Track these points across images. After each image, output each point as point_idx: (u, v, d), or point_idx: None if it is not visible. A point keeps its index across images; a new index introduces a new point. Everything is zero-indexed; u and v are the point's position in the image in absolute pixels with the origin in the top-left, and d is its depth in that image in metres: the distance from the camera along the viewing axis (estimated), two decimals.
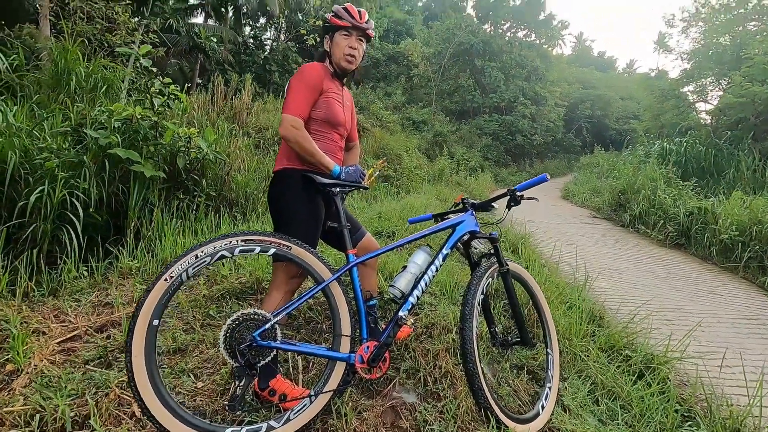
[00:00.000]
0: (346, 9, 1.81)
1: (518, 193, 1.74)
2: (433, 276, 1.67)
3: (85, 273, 2.91)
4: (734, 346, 3.24)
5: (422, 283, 1.64)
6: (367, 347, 1.52)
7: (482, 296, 1.63)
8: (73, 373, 1.79)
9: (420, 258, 1.77)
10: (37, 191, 3.21)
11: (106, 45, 8.30)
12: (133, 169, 3.88)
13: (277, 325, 1.39)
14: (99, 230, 3.87)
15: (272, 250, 1.45)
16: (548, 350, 1.89)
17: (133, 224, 3.84)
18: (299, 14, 20.27)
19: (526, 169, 19.71)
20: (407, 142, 12.80)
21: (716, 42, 13.15)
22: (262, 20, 21.98)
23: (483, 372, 1.52)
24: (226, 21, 16.39)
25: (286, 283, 1.64)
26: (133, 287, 2.66)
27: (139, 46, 8.82)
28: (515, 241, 5.09)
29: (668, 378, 2.39)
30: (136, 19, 9.66)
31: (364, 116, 11.58)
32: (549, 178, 1.65)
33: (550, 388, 1.77)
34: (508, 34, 21.86)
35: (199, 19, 17.19)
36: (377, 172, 1.88)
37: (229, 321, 1.34)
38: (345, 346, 1.47)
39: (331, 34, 1.82)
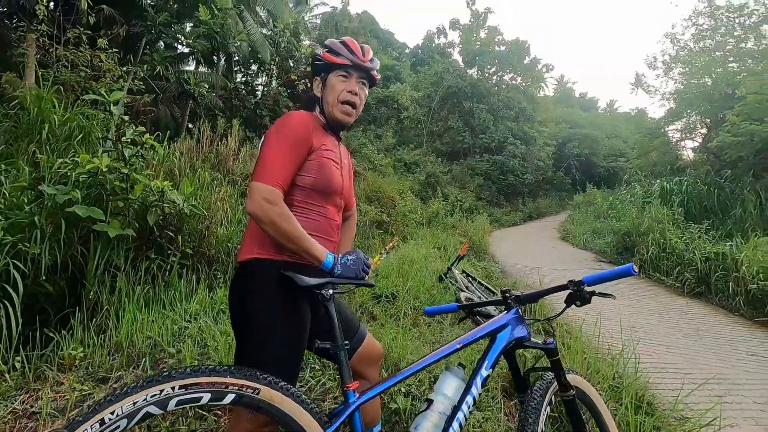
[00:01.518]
0: (344, 43, 1.36)
1: (587, 289, 1.25)
2: (470, 411, 1.17)
3: (17, 365, 2.33)
4: None
5: (455, 424, 1.12)
6: None
7: None
8: None
9: (450, 387, 1.22)
10: None
11: (91, 93, 8.02)
12: (95, 228, 3.39)
13: None
14: (54, 301, 3.33)
15: (230, 397, 0.93)
16: None
17: (91, 294, 3.30)
18: (290, 61, 20.61)
19: (519, 208, 19.54)
20: (400, 184, 12.52)
21: (700, 82, 13.41)
22: (254, 67, 22.33)
23: None
24: (217, 68, 16.47)
25: None
26: (70, 388, 2.09)
27: (123, 94, 8.54)
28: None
29: None
30: (125, 68, 9.49)
31: (356, 159, 11.32)
32: (636, 270, 1.16)
33: None
34: (495, 77, 22.37)
35: (191, 66, 17.30)
36: (385, 255, 1.40)
37: None
38: None
39: (323, 75, 1.37)
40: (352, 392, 1.09)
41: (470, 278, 4.50)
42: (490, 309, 2.49)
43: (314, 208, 1.28)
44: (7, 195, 3.69)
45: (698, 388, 3.13)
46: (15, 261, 2.86)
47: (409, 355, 2.52)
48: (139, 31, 11.40)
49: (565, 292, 1.27)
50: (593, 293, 1.19)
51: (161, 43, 12.09)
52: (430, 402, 1.22)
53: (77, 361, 2.36)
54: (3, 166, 4.21)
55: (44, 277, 3.12)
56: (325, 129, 1.36)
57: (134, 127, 4.08)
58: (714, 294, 5.57)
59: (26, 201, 3.64)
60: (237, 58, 18.33)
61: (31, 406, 2.01)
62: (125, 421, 0.85)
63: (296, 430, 0.98)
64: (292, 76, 17.34)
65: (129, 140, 3.96)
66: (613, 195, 13.47)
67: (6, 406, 1.98)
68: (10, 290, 2.72)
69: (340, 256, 1.21)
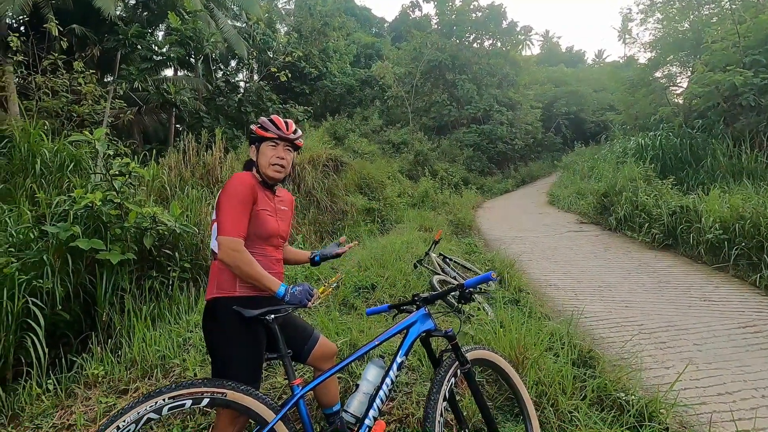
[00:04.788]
0: (272, 120, 1.74)
1: (467, 290, 1.64)
2: (390, 390, 1.56)
3: (50, 387, 2.76)
4: (733, 364, 3.13)
5: (377, 401, 1.53)
6: None
7: (445, 402, 1.52)
8: None
9: (371, 373, 1.65)
10: None
11: (74, 116, 8.27)
12: (99, 257, 3.77)
13: None
14: (72, 326, 3.74)
15: (206, 401, 1.34)
16: None
17: (104, 316, 3.71)
18: (269, 52, 20.49)
19: (511, 175, 19.78)
20: (388, 167, 12.78)
21: (675, 29, 13.40)
22: (233, 63, 22.23)
23: None
24: (196, 71, 16.50)
25: (231, 425, 1.53)
26: (97, 402, 2.52)
27: (105, 114, 8.77)
28: (501, 268, 4.99)
29: (666, 428, 2.28)
30: (106, 89, 9.68)
31: (341, 150, 11.56)
32: (494, 276, 1.55)
33: None
34: (474, 45, 22.21)
35: (169, 72, 17.32)
36: (332, 287, 1.77)
37: None
38: None
39: (257, 144, 1.75)
40: (297, 386, 1.49)
41: (447, 260, 4.89)
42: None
43: (256, 249, 1.65)
44: (14, 234, 4.06)
45: (643, 338, 3.55)
46: (32, 298, 3.26)
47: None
48: (113, 46, 11.50)
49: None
50: (472, 292, 1.56)
51: (137, 56, 12.17)
52: (357, 386, 1.64)
53: (100, 378, 2.78)
54: (6, 207, 4.57)
55: (60, 307, 3.54)
56: (261, 185, 1.74)
57: (119, 159, 4.40)
58: (681, 246, 5.95)
59: (32, 238, 4.01)
60: (215, 56, 18.31)
61: (68, 420, 2.43)
62: (134, 425, 1.25)
63: (256, 417, 1.40)
64: (272, 69, 17.37)
65: (117, 171, 4.29)
66: (597, 153, 13.70)
67: (47, 422, 2.41)
68: (33, 324, 3.14)
69: (290, 287, 1.59)
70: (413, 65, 20.78)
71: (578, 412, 2.26)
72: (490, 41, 22.49)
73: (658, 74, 14.63)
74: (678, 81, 14.76)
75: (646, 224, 6.57)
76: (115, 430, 1.22)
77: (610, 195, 8.11)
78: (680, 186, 7.38)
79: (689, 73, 13.90)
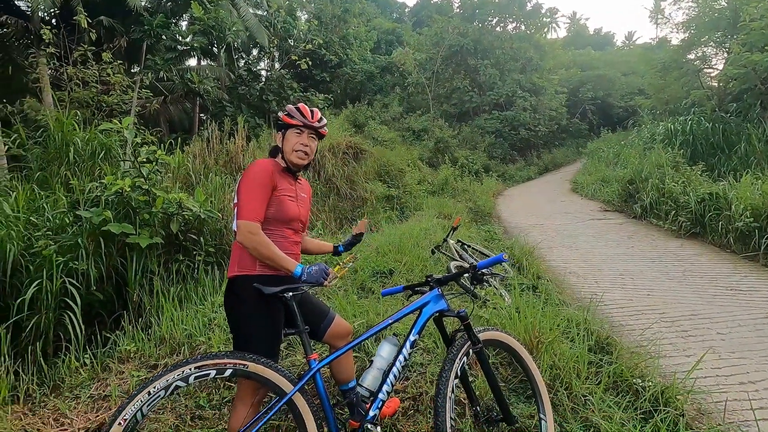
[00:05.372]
0: (298, 109, 1.80)
1: (479, 271, 1.67)
2: (403, 367, 1.62)
3: (87, 361, 2.94)
4: (757, 354, 3.06)
5: (390, 376, 1.59)
6: None
7: (457, 380, 1.57)
8: None
9: (385, 350, 1.71)
10: (35, 283, 3.29)
11: (104, 106, 8.58)
12: (129, 241, 3.95)
13: None
14: (104, 306, 3.95)
15: (229, 371, 1.43)
16: (541, 415, 1.81)
17: (135, 297, 3.91)
18: (290, 40, 20.56)
19: (534, 162, 19.39)
20: (408, 155, 12.75)
21: (711, 8, 12.72)
22: (255, 52, 22.41)
23: None
24: (219, 60, 16.72)
25: (252, 395, 1.62)
26: (130, 375, 2.68)
27: (133, 104, 9.05)
28: (520, 255, 4.97)
29: (682, 413, 2.26)
30: (133, 78, 9.97)
31: (361, 137, 11.58)
32: (506, 257, 1.58)
33: None
34: (498, 28, 21.69)
35: (193, 61, 17.62)
36: (347, 267, 1.84)
37: None
38: None
39: (283, 131, 1.82)
40: (313, 361, 1.57)
41: (465, 246, 4.90)
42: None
43: (276, 231, 1.73)
44: (51, 218, 4.29)
45: (664, 326, 3.49)
46: (69, 278, 3.46)
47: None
48: (139, 37, 11.77)
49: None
50: (484, 274, 1.59)
51: (162, 46, 12.44)
52: (372, 362, 1.70)
53: (132, 354, 2.95)
54: (43, 193, 4.82)
55: (94, 288, 3.74)
56: (284, 171, 1.80)
57: (147, 147, 4.57)
58: (709, 234, 5.77)
59: (67, 222, 4.23)
60: (236, 45, 18.49)
61: (103, 391, 2.61)
62: (163, 392, 1.36)
63: (275, 388, 1.48)
64: (293, 57, 17.44)
65: (144, 159, 4.45)
66: (624, 140, 13.27)
67: (85, 392, 2.59)
68: (70, 302, 3.34)
69: (307, 266, 1.66)
70: (434, 51, 20.47)
71: (592, 396, 2.27)
72: (514, 24, 21.93)
73: (691, 56, 13.95)
74: (713, 63, 14.07)
75: (673, 212, 6.38)
76: (147, 395, 1.32)
77: (636, 182, 7.89)
78: (710, 173, 7.11)
79: (725, 55, 13.22)
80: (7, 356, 2.89)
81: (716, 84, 12.88)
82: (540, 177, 17.70)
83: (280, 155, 1.82)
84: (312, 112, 1.82)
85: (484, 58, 20.30)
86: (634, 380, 2.47)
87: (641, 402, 2.26)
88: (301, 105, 1.82)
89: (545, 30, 23.69)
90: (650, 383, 2.40)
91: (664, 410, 2.21)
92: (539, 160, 19.65)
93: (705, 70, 13.53)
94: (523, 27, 21.80)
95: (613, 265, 5.12)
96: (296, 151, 1.77)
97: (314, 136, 1.84)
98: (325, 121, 1.86)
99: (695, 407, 2.43)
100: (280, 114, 1.83)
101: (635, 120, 14.98)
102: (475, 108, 20.54)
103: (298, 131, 1.79)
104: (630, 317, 3.71)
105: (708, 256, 5.31)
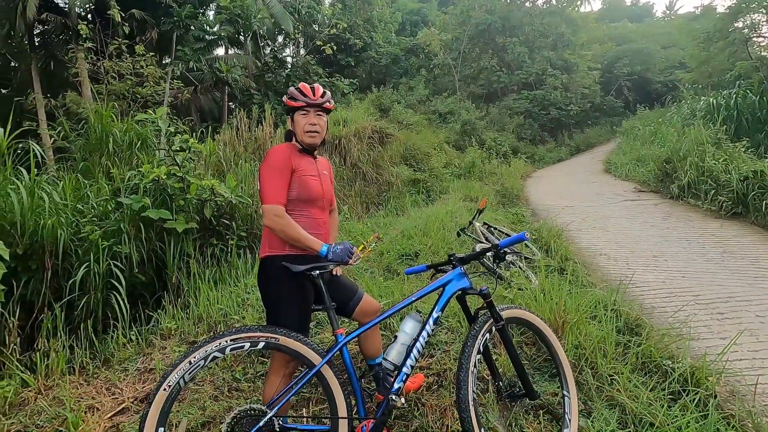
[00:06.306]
0: (299, 89, 1.82)
1: (502, 250, 1.68)
2: (426, 342, 1.67)
3: (133, 338, 3.16)
4: None
5: (414, 351, 1.64)
6: (364, 426, 1.56)
7: (479, 355, 1.61)
8: None
9: (409, 326, 1.77)
10: (84, 266, 3.54)
11: (139, 98, 8.93)
12: (166, 226, 4.16)
13: (274, 418, 1.46)
14: (146, 288, 4.21)
15: (261, 344, 1.53)
16: (564, 392, 1.83)
17: (173, 279, 4.14)
18: (314, 26, 20.54)
19: (565, 143, 18.76)
20: (434, 138, 12.63)
21: None
22: (280, 38, 22.54)
23: None
24: (245, 48, 16.94)
25: (284, 367, 1.71)
26: (172, 351, 2.87)
27: (166, 95, 9.36)
28: (548, 238, 4.90)
29: (713, 395, 2.22)
30: (164, 69, 10.28)
31: (386, 121, 11.55)
32: (528, 236, 1.58)
33: None
34: (527, 4, 20.85)
35: (220, 51, 17.94)
36: (371, 246, 1.90)
37: (228, 419, 1.43)
38: (343, 428, 1.52)
39: (291, 115, 1.85)
40: (340, 335, 1.65)
41: (491, 228, 4.87)
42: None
43: (301, 212, 1.79)
44: (95, 206, 4.56)
45: (699, 309, 3.39)
46: (114, 261, 3.70)
47: None
48: (169, 28, 12.08)
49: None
50: (507, 252, 1.60)
51: (191, 36, 12.71)
52: (396, 337, 1.76)
53: (173, 331, 3.15)
54: (87, 182, 5.11)
55: (136, 270, 3.98)
56: (302, 152, 1.86)
57: (180, 136, 4.75)
58: (752, 214, 5.48)
59: (110, 209, 4.49)
60: (262, 32, 18.64)
61: (148, 365, 2.80)
62: (202, 361, 1.47)
63: (305, 360, 1.58)
64: (318, 42, 17.43)
65: (178, 147, 4.64)
66: (662, 117, 12.63)
67: (132, 366, 2.80)
68: (116, 284, 3.58)
69: (332, 245, 1.73)
70: (460, 30, 19.94)
71: (618, 376, 2.26)
72: None
73: (738, 24, 13.00)
74: (762, 31, 13.07)
75: (713, 191, 6.09)
76: (188, 364, 1.44)
77: (674, 161, 7.54)
78: (755, 149, 6.70)
79: None
80: (62, 332, 3.14)
81: (766, 54, 12.01)
82: (571, 158, 17.15)
83: (294, 139, 1.86)
84: (313, 89, 1.83)
85: (513, 35, 19.63)
86: (664, 361, 2.44)
87: (669, 383, 2.24)
88: (301, 85, 1.84)
89: (578, 3, 22.53)
90: (680, 364, 2.36)
91: (693, 390, 2.18)
92: (570, 141, 18.99)
93: (753, 39, 12.62)
94: (554, 1, 20.84)
95: (646, 247, 4.97)
96: (307, 132, 1.80)
97: (321, 113, 1.84)
98: (329, 95, 1.86)
99: (728, 389, 2.38)
100: (283, 99, 1.86)
101: (675, 96, 14.20)
102: (503, 88, 19.99)
103: (304, 112, 1.81)
104: (662, 299, 3.62)
105: (751, 236, 5.06)
